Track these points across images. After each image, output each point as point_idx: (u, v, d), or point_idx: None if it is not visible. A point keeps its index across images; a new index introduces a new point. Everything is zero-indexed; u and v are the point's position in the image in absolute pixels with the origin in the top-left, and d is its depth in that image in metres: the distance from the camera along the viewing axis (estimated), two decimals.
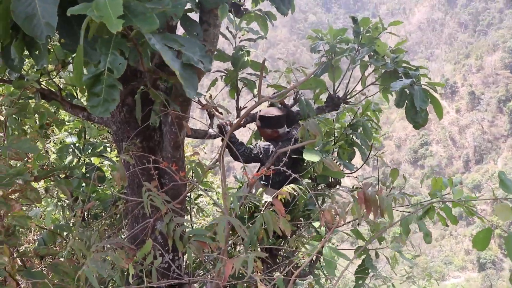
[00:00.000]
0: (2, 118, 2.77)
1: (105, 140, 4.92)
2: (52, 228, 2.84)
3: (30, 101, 3.02)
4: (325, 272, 3.85)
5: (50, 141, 4.99)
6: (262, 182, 3.19)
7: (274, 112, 3.30)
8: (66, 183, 2.71)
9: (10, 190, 2.02)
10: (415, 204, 3.12)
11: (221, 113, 2.79)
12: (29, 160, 2.95)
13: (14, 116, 2.70)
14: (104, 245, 1.86)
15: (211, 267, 2.56)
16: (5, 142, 2.31)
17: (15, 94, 2.76)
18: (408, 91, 3.24)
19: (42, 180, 3.14)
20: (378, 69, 3.72)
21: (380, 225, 3.10)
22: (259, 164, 3.26)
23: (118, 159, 4.09)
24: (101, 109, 1.39)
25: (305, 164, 3.37)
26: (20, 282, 2.17)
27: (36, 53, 2.03)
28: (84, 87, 1.42)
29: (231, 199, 1.79)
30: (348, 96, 3.82)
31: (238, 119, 2.44)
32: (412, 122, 3.18)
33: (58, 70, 2.89)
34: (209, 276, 2.24)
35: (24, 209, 3.27)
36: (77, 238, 2.08)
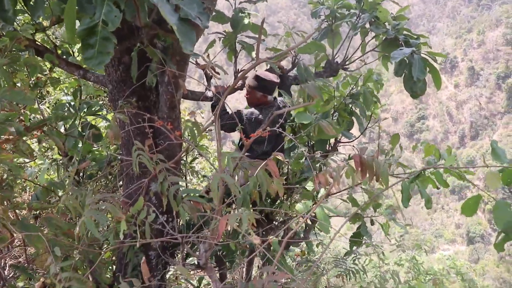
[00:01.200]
0: None
1: (101, 102, 4.87)
2: (46, 185, 2.84)
3: (23, 53, 2.96)
4: (318, 238, 3.92)
5: (46, 102, 4.95)
6: (246, 154, 3.06)
7: (271, 77, 3.22)
8: (58, 134, 2.68)
9: (2, 140, 2.01)
10: (413, 171, 3.13)
11: (218, 73, 2.75)
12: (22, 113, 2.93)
13: (4, 67, 2.64)
14: (99, 199, 1.86)
15: (205, 228, 2.58)
16: None
17: (3, 42, 2.70)
18: (407, 60, 3.21)
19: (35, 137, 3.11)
20: (379, 36, 3.68)
21: (377, 191, 3.12)
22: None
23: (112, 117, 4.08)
24: (95, 61, 1.37)
25: (300, 131, 3.35)
26: (14, 234, 2.19)
27: (32, 3, 1.98)
28: (76, 39, 1.39)
29: (226, 160, 1.78)
30: (347, 63, 3.78)
31: (234, 80, 2.40)
32: (410, 91, 3.16)
33: (53, 24, 2.82)
34: (202, 235, 2.26)
35: (18, 165, 3.26)
36: (70, 194, 2.08)
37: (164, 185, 1.82)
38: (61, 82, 4.05)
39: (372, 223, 3.32)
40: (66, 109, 3.76)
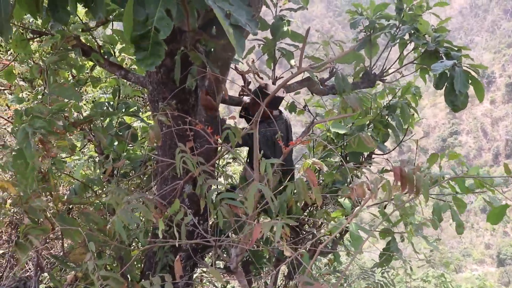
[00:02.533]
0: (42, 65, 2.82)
1: (137, 102, 4.97)
2: (84, 181, 2.92)
3: (69, 54, 3.06)
4: (348, 248, 3.87)
5: (83, 100, 5.09)
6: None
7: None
8: (102, 131, 2.76)
9: (48, 132, 2.08)
10: (447, 194, 3.06)
11: (262, 78, 2.77)
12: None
13: (51, 66, 2.74)
14: (136, 198, 1.90)
15: (232, 234, 2.60)
16: (45, 89, 2.36)
17: (55, 39, 2.79)
18: (448, 73, 3.14)
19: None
20: (418, 49, 3.63)
21: (408, 208, 3.06)
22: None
23: (151, 119, 4.16)
24: (148, 62, 1.44)
25: (333, 142, 3.31)
26: (54, 226, 2.26)
27: (93, 4, 2.04)
28: (131, 41, 1.45)
29: (264, 165, 1.79)
30: (385, 74, 3.74)
31: (275, 88, 2.41)
32: (451, 105, 3.09)
33: (99, 25, 2.91)
34: (234, 240, 2.27)
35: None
36: (113, 193, 2.13)
37: (203, 188, 1.84)
38: (101, 81, 4.15)
39: (402, 239, 3.25)
40: (105, 108, 3.86)
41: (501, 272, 52.35)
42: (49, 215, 2.15)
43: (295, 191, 1.89)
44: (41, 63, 2.92)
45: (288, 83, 3.37)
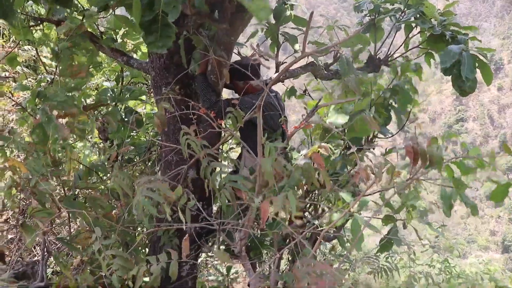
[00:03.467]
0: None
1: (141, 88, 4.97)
2: (89, 166, 2.93)
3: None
4: (350, 238, 3.87)
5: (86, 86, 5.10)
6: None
7: (244, 61, 2.93)
8: (112, 114, 2.78)
9: (63, 113, 2.10)
10: (451, 179, 3.04)
11: (267, 59, 2.75)
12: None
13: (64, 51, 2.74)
14: (147, 181, 1.91)
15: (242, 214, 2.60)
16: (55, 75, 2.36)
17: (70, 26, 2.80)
18: (456, 58, 3.11)
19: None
20: (424, 33, 3.58)
21: (411, 194, 3.04)
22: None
23: (155, 105, 4.17)
24: (159, 44, 1.46)
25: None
26: (61, 210, 2.28)
27: None
28: (141, 27, 1.47)
29: (268, 149, 1.79)
30: (390, 59, 3.71)
31: (278, 73, 2.40)
32: (458, 90, 3.05)
33: (102, 10, 2.89)
34: (238, 223, 2.28)
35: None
36: (117, 176, 2.14)
37: (207, 171, 1.84)
38: (103, 66, 4.14)
39: (405, 227, 3.25)
40: (109, 94, 3.87)
41: (506, 259, 52.42)
42: (55, 199, 2.17)
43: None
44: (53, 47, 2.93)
45: (292, 68, 3.35)
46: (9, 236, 4.09)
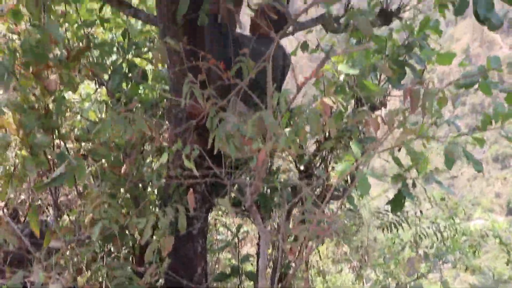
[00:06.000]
0: None
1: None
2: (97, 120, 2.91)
3: None
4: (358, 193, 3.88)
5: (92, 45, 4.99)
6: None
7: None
8: (100, 65, 2.69)
9: (42, 66, 2.03)
10: (458, 135, 3.00)
11: (275, 8, 2.66)
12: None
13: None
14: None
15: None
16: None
17: None
18: None
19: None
20: None
21: (422, 153, 3.01)
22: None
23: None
24: None
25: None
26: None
27: None
28: None
29: (277, 98, 1.74)
30: (402, 11, 3.59)
31: (292, 19, 2.30)
32: (487, 26, 2.96)
33: None
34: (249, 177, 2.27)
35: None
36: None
37: (214, 121, 1.80)
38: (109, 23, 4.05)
39: (414, 185, 3.23)
40: (115, 49, 3.79)
41: (510, 221, 52.86)
42: (51, 151, 2.13)
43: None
44: None
45: (303, 20, 3.25)
46: (22, 197, 4.13)
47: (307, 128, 1.98)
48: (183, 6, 2.36)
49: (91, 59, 3.01)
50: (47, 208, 4.37)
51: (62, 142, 2.70)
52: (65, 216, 3.44)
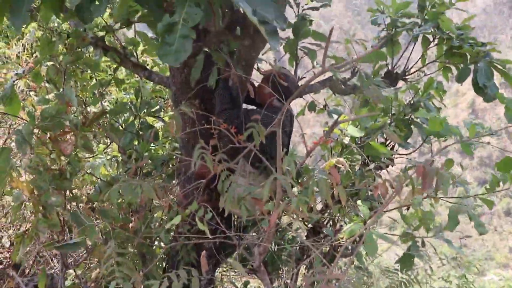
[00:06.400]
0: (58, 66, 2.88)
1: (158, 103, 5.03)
2: (108, 179, 2.97)
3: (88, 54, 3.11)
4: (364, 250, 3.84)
5: (106, 101, 5.17)
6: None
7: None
8: (114, 129, 2.78)
9: (59, 132, 2.11)
10: (465, 197, 3.03)
11: (285, 75, 2.77)
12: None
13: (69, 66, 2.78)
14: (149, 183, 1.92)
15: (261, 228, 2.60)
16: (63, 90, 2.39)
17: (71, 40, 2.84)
18: (472, 67, 3.19)
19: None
20: (441, 46, 3.58)
21: (430, 213, 3.04)
22: None
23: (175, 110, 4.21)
24: (172, 58, 1.42)
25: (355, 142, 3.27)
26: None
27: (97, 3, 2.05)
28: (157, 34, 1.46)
29: (287, 162, 1.80)
30: (407, 73, 3.71)
31: (300, 87, 2.41)
32: (483, 97, 3.15)
33: (125, 26, 2.95)
34: (256, 238, 2.29)
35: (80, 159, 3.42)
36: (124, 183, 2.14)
37: (225, 184, 1.85)
38: (124, 83, 4.21)
39: (424, 244, 3.21)
40: (128, 107, 3.93)
41: None
42: (60, 212, 2.19)
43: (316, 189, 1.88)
44: (55, 63, 2.98)
45: (311, 83, 3.37)
46: (27, 248, 4.14)
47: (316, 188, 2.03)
48: (196, 71, 2.47)
49: (105, 121, 3.11)
50: (52, 260, 4.36)
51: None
52: (71, 271, 3.44)
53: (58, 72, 2.68)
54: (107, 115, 3.15)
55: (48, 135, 2.12)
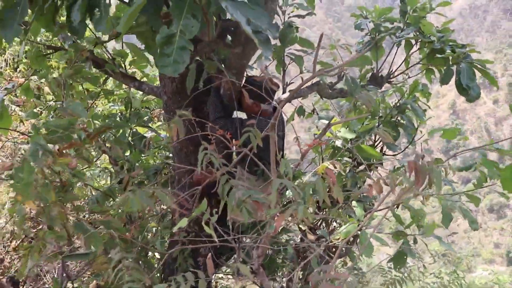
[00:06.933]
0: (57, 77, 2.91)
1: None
2: (105, 190, 2.99)
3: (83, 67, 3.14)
4: (360, 251, 3.91)
5: (96, 112, 5.17)
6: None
7: (262, 81, 2.83)
8: (116, 140, 2.81)
9: (65, 145, 2.14)
10: (453, 193, 3.12)
11: (275, 83, 2.83)
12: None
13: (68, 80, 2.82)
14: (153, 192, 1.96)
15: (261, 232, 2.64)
16: (63, 103, 2.43)
17: (70, 54, 2.87)
18: (454, 69, 3.29)
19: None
20: (423, 50, 3.70)
21: (421, 211, 3.11)
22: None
23: (162, 129, 4.24)
24: (171, 69, 1.47)
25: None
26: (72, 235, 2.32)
27: (97, 17, 2.10)
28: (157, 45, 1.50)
29: (284, 165, 1.85)
30: (391, 76, 3.81)
31: (285, 94, 2.48)
32: (466, 97, 3.24)
33: (111, 38, 2.99)
34: (255, 240, 2.33)
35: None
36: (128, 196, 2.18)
37: (225, 188, 1.89)
38: (113, 93, 4.23)
39: (416, 241, 3.29)
40: (118, 119, 3.95)
41: (511, 271, 51.89)
42: (66, 223, 2.21)
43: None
44: (57, 77, 3.01)
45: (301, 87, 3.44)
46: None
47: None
48: (189, 81, 2.52)
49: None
50: (45, 275, 4.34)
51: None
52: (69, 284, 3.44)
53: (59, 85, 2.72)
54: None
55: (57, 147, 2.15)
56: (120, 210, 2.82)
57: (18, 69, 5.53)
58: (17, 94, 4.86)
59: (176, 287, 1.81)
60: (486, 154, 2.60)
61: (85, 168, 3.78)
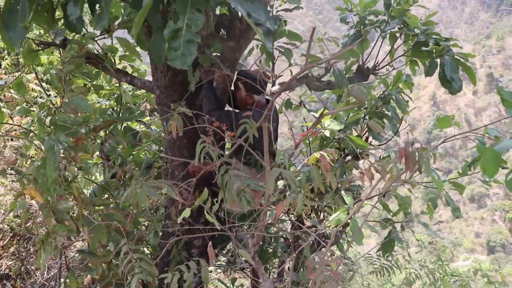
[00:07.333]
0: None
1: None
2: (103, 184, 3.02)
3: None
4: (350, 240, 4.01)
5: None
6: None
7: (255, 73, 2.95)
8: (123, 135, 2.86)
9: (75, 139, 2.19)
10: (440, 182, 3.23)
11: (267, 76, 2.89)
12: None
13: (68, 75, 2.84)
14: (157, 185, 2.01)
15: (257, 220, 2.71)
16: (64, 98, 2.46)
17: (73, 50, 2.89)
18: (438, 61, 3.37)
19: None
20: (408, 42, 3.79)
21: (408, 198, 3.22)
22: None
23: (158, 123, 4.28)
24: (179, 62, 1.53)
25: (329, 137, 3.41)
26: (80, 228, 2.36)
27: (98, 13, 2.13)
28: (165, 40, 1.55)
29: (281, 155, 1.92)
30: (377, 68, 3.90)
31: (278, 86, 2.54)
32: (448, 90, 3.34)
33: (106, 33, 3.01)
34: (251, 230, 2.40)
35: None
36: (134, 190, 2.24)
37: (225, 178, 1.95)
38: (103, 88, 4.24)
39: (403, 228, 3.40)
40: (109, 113, 3.96)
41: (492, 260, 53.11)
42: (73, 216, 2.25)
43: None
44: (57, 72, 3.03)
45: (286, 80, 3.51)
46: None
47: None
48: (189, 75, 2.57)
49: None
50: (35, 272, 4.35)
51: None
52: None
53: (61, 80, 2.74)
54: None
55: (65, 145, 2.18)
56: (117, 203, 2.86)
57: (1, 66, 5.49)
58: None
59: (180, 276, 1.87)
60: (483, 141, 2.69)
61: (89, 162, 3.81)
